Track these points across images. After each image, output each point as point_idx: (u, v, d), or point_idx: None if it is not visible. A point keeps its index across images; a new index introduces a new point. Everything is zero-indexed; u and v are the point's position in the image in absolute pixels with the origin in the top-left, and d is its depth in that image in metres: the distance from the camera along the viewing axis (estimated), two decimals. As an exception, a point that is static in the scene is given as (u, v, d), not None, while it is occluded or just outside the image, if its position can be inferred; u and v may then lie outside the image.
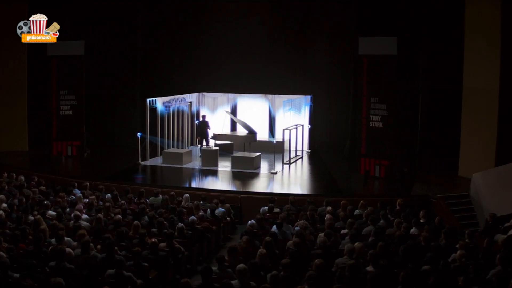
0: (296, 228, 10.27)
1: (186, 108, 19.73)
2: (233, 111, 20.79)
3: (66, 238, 9.08)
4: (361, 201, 12.32)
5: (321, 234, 9.49)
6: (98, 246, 8.97)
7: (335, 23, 19.99)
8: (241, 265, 7.48)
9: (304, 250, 8.87)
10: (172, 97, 18.92)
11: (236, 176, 16.63)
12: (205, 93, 21.38)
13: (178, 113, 19.28)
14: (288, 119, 19.21)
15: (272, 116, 20.22)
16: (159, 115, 18.23)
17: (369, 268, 7.92)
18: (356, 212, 11.96)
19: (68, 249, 8.32)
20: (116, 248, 8.67)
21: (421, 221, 10.98)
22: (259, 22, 20.32)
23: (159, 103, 18.19)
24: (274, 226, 10.37)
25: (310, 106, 20.24)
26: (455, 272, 7.80)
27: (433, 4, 16.79)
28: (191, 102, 20.14)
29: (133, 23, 20.74)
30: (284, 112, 19.24)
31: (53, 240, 9.01)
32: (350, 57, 18.74)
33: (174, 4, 20.70)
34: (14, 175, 14.55)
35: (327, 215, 11.26)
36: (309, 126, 20.10)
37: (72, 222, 10.35)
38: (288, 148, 18.27)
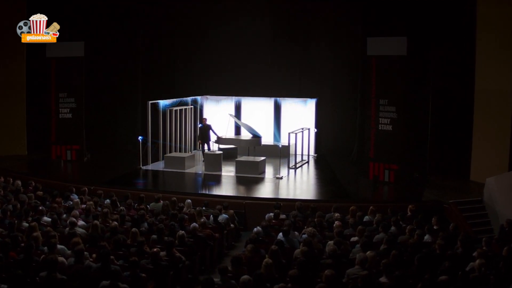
0: (304, 236, 9.82)
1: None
2: (237, 114, 20.41)
3: (59, 246, 8.62)
4: (371, 207, 11.85)
5: (330, 242, 9.07)
6: (94, 255, 8.49)
7: (340, 23, 19.63)
8: (245, 277, 7.02)
9: (313, 260, 8.38)
10: (174, 100, 18.54)
11: (240, 181, 16.18)
12: (208, 96, 21.02)
13: (181, 116, 18.88)
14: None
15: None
16: (161, 117, 17.86)
17: (383, 279, 7.44)
18: (366, 218, 11.51)
19: (60, 258, 7.86)
20: (112, 257, 8.20)
21: (434, 227, 10.55)
22: (262, 23, 20.09)
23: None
24: (280, 234, 9.89)
25: (316, 108, 19.84)
26: (475, 283, 7.32)
27: (444, 2, 16.35)
28: (193, 105, 19.74)
29: (135, 24, 20.47)
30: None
31: (45, 248, 8.52)
32: (357, 58, 18.35)
33: (176, 6, 20.39)
34: (11, 179, 14.16)
35: (335, 222, 10.78)
36: (316, 130, 19.66)
37: (67, 229, 9.89)
38: (294, 153, 17.83)
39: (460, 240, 9.11)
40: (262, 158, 17.28)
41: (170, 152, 18.23)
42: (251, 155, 17.64)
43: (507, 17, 14.99)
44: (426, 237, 9.92)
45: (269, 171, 17.21)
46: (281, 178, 16.24)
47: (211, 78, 20.74)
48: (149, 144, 17.67)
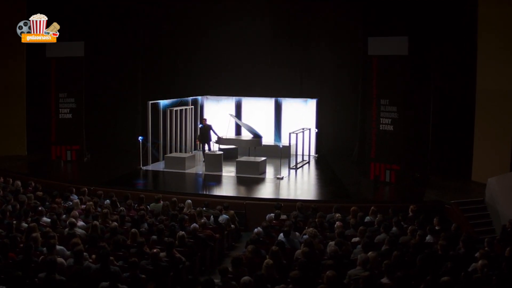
0: (305, 236, 9.74)
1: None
2: (238, 114, 20.35)
3: (59, 247, 8.55)
4: (372, 208, 11.79)
5: (331, 243, 8.99)
6: (93, 256, 8.42)
7: (341, 23, 19.53)
8: (246, 278, 6.95)
9: (314, 260, 8.31)
10: (174, 100, 18.50)
11: (240, 181, 16.11)
12: (208, 96, 20.96)
13: (181, 116, 18.81)
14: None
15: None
16: (161, 117, 17.81)
17: (384, 280, 7.37)
18: (367, 219, 11.43)
19: (60, 259, 7.78)
20: (112, 258, 8.14)
21: (436, 228, 10.48)
22: (262, 23, 19.99)
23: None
24: (281, 234, 9.83)
25: (317, 108, 19.78)
26: (477, 283, 7.26)
27: (445, 2, 16.28)
28: (194, 105, 19.68)
29: (135, 24, 20.41)
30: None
31: (44, 249, 8.45)
32: (358, 58, 18.29)
33: (176, 6, 20.32)
34: (11, 180, 14.10)
35: (336, 222, 10.71)
36: (316, 130, 19.59)
37: (67, 229, 9.82)
38: (294, 153, 17.76)
39: (462, 241, 9.05)
40: (263, 158, 17.22)
41: (170, 152, 18.17)
42: (252, 155, 17.55)
43: (508, 17, 14.90)
44: (428, 237, 9.86)
45: (269, 172, 17.14)
46: (282, 178, 16.17)
47: (211, 78, 20.65)
48: (149, 144, 17.61)
